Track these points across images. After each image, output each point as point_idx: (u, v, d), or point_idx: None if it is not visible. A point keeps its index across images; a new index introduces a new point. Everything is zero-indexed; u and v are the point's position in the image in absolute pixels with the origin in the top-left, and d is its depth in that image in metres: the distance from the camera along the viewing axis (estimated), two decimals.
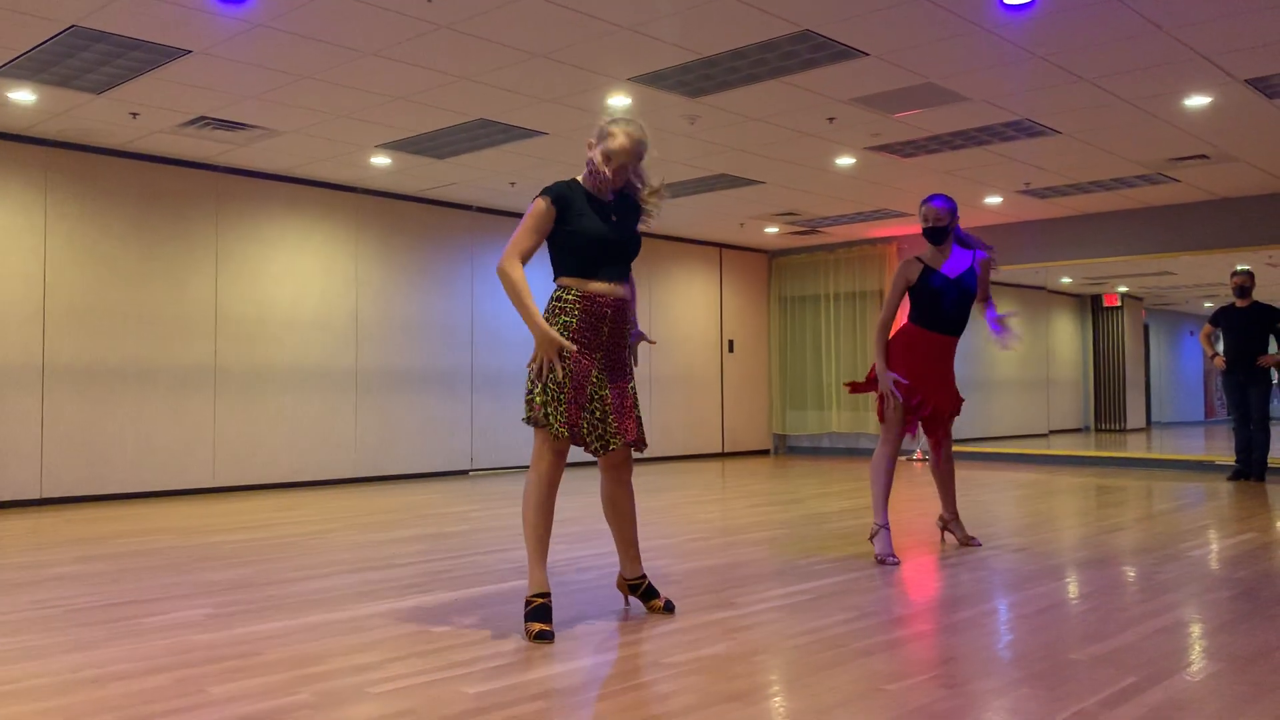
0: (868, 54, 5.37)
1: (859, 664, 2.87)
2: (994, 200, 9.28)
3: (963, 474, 9.02)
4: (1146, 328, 13.99)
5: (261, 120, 6.60)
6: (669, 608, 3.53)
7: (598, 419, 3.32)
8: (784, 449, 12.46)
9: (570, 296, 3.30)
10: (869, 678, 2.73)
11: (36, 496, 6.95)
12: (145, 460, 7.44)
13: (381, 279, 8.88)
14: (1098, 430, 13.30)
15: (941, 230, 4.70)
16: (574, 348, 3.23)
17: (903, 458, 10.78)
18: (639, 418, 3.46)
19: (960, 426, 11.43)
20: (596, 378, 3.32)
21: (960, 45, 5.25)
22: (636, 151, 3.34)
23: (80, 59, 5.42)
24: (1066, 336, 13.25)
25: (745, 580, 4.14)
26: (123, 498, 7.32)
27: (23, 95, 6.03)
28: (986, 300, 5.02)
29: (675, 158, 7.62)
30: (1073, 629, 3.28)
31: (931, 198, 4.74)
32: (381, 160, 7.73)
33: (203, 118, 6.54)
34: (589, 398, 3.31)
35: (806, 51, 5.34)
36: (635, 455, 3.24)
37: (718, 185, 8.63)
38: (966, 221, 10.37)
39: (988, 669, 2.82)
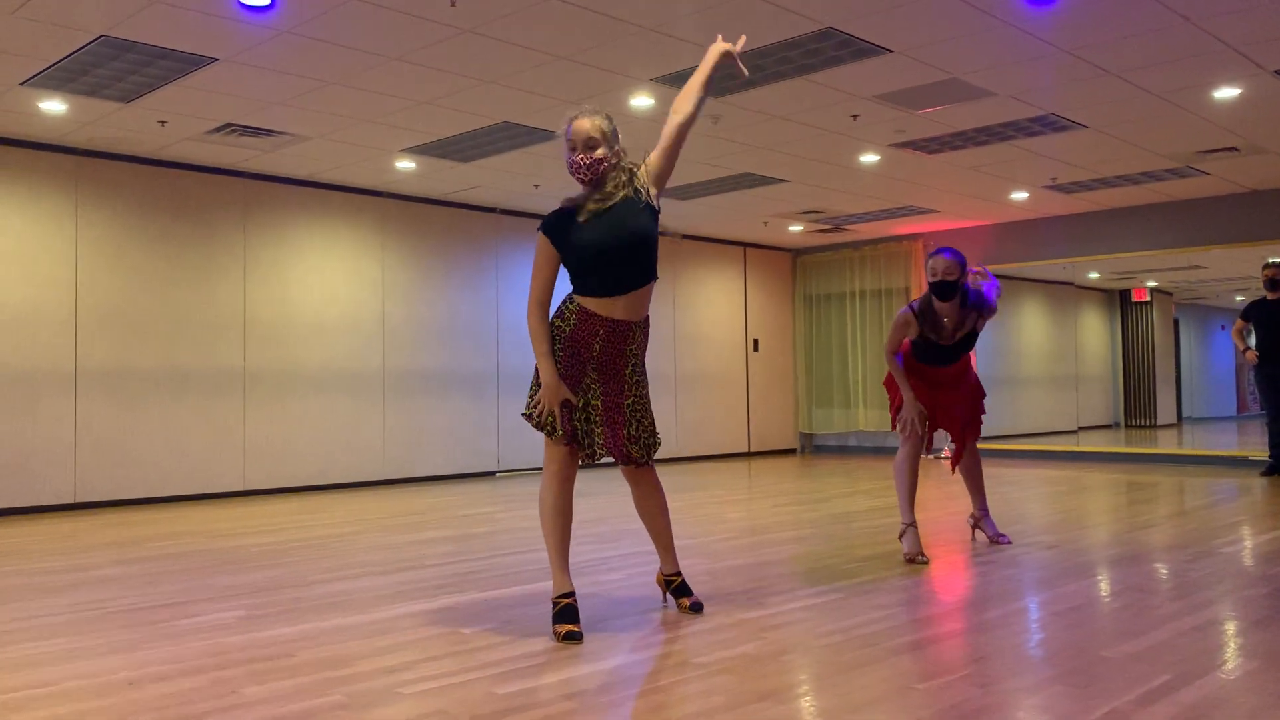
0: (891, 50, 5.35)
1: (890, 663, 2.86)
2: (1020, 196, 9.22)
3: (992, 471, 8.96)
4: (1176, 322, 13.84)
5: (287, 126, 6.65)
6: (695, 608, 3.53)
7: (587, 428, 3.34)
8: (810, 448, 12.42)
9: (572, 307, 3.32)
10: (900, 676, 2.72)
11: (70, 501, 7.04)
12: (176, 464, 7.52)
13: (407, 282, 8.93)
14: (1128, 426, 13.17)
15: (950, 285, 4.47)
16: (576, 401, 3.30)
17: (930, 456, 10.70)
18: (639, 432, 3.38)
19: (990, 423, 11.39)
20: (588, 386, 3.34)
21: (984, 40, 5.22)
22: (587, 132, 3.25)
23: (109, 68, 5.48)
24: (1095, 332, 13.12)
25: (774, 580, 4.13)
26: (154, 502, 7.40)
27: (53, 105, 6.11)
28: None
29: (698, 157, 7.61)
30: (1105, 627, 3.26)
31: (941, 250, 4.52)
32: (406, 164, 7.77)
33: (230, 125, 6.61)
34: (580, 404, 3.33)
35: (830, 49, 5.32)
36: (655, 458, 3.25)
37: (741, 184, 8.62)
38: (993, 218, 10.30)
39: (1020, 667, 2.80)
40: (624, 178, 3.31)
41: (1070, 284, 11.89)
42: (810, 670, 2.82)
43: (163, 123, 6.54)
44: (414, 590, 4.02)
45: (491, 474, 9.39)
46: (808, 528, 5.66)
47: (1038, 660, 2.87)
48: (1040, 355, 12.19)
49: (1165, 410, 13.35)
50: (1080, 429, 11.99)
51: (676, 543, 4.20)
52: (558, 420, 3.27)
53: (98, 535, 5.79)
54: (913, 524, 4.59)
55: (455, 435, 9.16)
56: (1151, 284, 13.05)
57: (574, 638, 3.15)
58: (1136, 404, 13.23)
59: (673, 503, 6.92)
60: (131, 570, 4.59)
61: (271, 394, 8.03)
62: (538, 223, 9.72)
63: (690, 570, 4.27)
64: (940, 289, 4.49)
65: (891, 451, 11.55)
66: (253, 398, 7.93)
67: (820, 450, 12.32)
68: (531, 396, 3.35)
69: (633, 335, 3.35)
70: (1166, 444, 11.87)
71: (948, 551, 4.78)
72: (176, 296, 7.59)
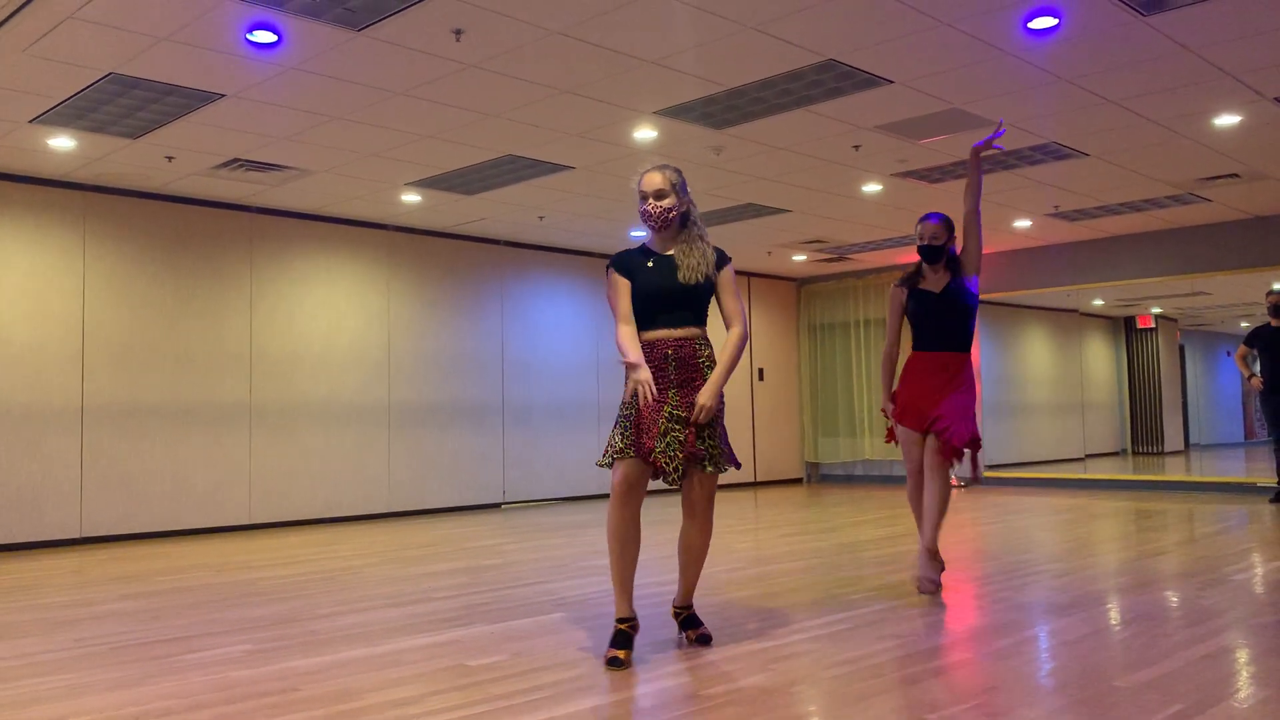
0: (892, 81, 5.39)
1: (899, 693, 2.84)
2: (1023, 224, 9.24)
3: (999, 499, 8.92)
4: (1182, 348, 13.82)
5: (293, 161, 6.71)
6: (703, 640, 3.53)
7: (674, 448, 3.35)
8: (817, 477, 12.39)
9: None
10: (910, 707, 2.70)
11: (76, 536, 7.03)
12: (183, 498, 7.51)
13: (413, 314, 8.96)
14: (1135, 453, 13.12)
15: (937, 249, 4.56)
16: (652, 391, 3.32)
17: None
18: (711, 435, 3.43)
19: (997, 451, 11.38)
20: (670, 413, 3.37)
21: (985, 70, 5.26)
22: (658, 184, 3.47)
23: (117, 105, 5.53)
24: (1100, 359, 13.11)
25: (782, 610, 4.11)
26: (161, 536, 7.39)
27: (62, 142, 6.17)
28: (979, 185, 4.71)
29: (701, 188, 7.65)
30: (1116, 656, 3.24)
31: (928, 215, 4.62)
32: (412, 197, 7.82)
33: (236, 160, 6.66)
34: (663, 430, 3.35)
35: (831, 81, 5.36)
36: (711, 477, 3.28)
37: (744, 215, 8.66)
38: (996, 245, 10.33)
39: (1031, 697, 2.78)
40: (695, 231, 3.53)
41: (1075, 311, 11.89)
42: (819, 702, 2.80)
43: (170, 158, 6.59)
44: (423, 623, 4.01)
45: (497, 506, 9.37)
46: (815, 558, 5.64)
47: (1049, 690, 2.85)
48: (1046, 383, 12.17)
49: (1172, 437, 13.30)
50: (1088, 456, 11.95)
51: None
52: (651, 392, 3.30)
53: (104, 570, 5.78)
54: (924, 548, 4.55)
55: (461, 467, 9.15)
56: (1156, 310, 13.05)
57: (614, 664, 3.21)
58: (1143, 431, 13.19)
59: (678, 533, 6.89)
60: (138, 605, 4.58)
61: (278, 427, 8.04)
62: (542, 254, 9.82)
63: (698, 601, 4.25)
64: (928, 252, 4.59)
65: (898, 481, 11.52)
66: (259, 431, 7.94)
67: (826, 479, 12.29)
68: (610, 443, 3.40)
69: (700, 350, 3.47)
70: (1174, 471, 11.82)
71: (957, 580, 4.76)
72: (183, 330, 7.62)
